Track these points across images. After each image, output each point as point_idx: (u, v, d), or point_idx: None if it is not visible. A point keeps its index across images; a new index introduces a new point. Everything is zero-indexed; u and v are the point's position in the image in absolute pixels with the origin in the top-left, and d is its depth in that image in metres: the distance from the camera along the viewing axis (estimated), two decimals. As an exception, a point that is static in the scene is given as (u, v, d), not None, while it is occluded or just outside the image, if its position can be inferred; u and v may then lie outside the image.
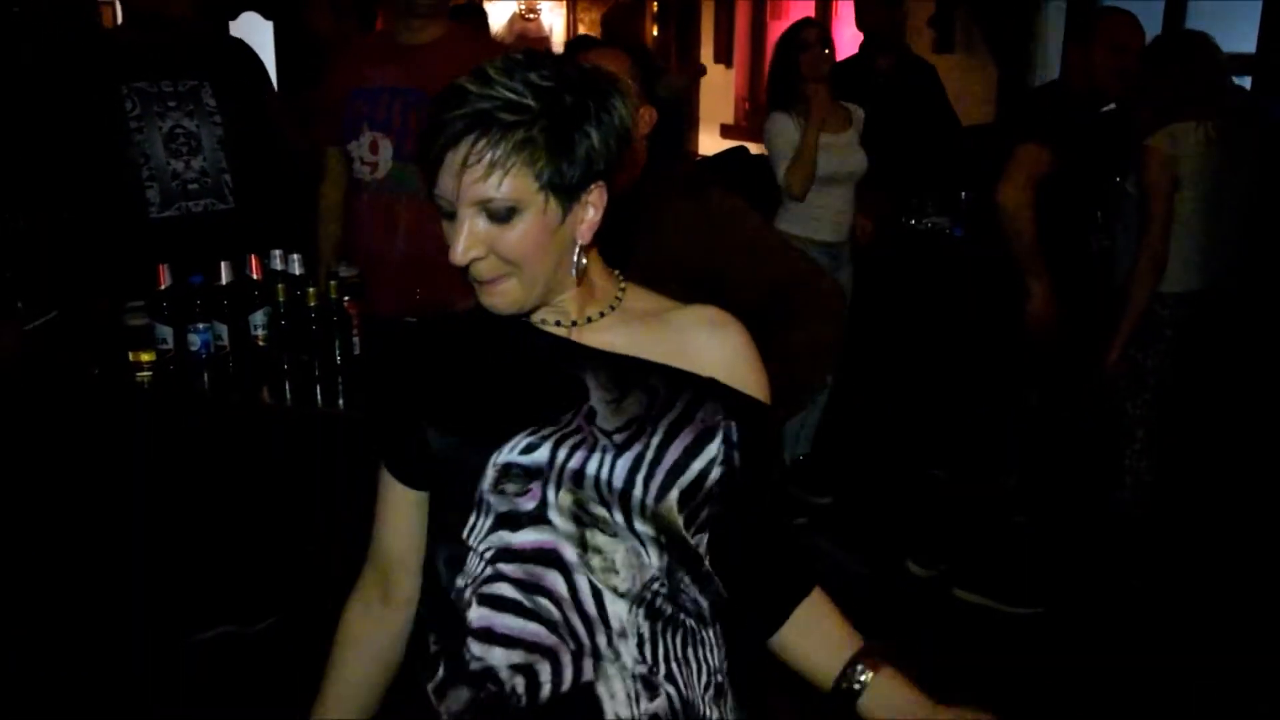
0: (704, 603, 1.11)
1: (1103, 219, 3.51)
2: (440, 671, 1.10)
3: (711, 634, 1.12)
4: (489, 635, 1.07)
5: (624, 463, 1.07)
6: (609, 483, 1.06)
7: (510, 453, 1.07)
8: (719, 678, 1.12)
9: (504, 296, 1.08)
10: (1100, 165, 3.27)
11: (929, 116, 4.27)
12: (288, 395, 2.37)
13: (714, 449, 1.10)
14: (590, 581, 1.06)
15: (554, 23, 8.08)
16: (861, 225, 3.87)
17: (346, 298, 2.47)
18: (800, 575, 1.21)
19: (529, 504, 1.06)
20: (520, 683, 1.06)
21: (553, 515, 1.06)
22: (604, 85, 1.07)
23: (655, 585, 1.08)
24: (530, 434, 1.07)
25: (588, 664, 1.05)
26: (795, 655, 1.19)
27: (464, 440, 1.10)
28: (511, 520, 1.07)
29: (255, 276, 2.47)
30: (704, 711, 1.09)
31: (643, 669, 1.06)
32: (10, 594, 2.59)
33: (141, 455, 2.44)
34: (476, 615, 1.08)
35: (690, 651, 1.09)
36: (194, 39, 2.96)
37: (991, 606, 3.21)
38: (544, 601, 1.06)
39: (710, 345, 1.15)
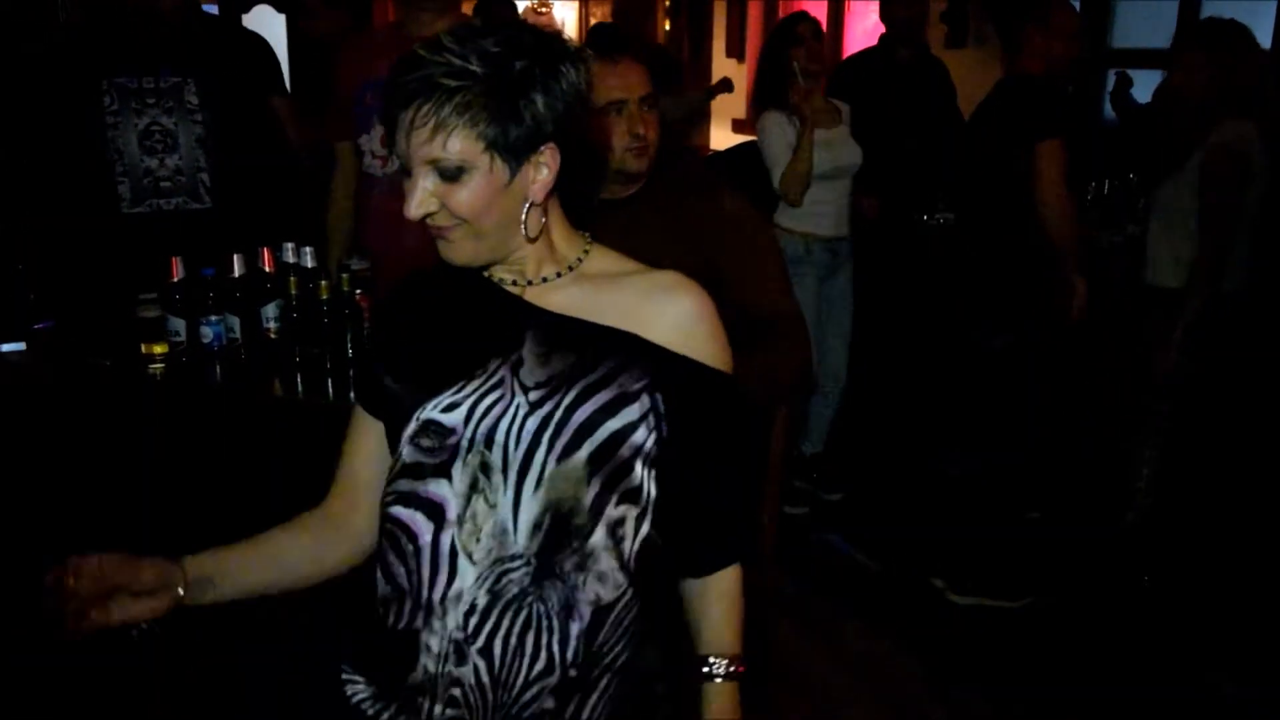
0: (581, 595, 1.12)
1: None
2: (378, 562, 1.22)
3: (574, 628, 1.12)
4: (381, 565, 1.18)
5: (533, 422, 1.11)
6: (517, 441, 1.11)
7: (433, 410, 1.13)
8: (571, 673, 1.13)
9: (456, 248, 1.13)
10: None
11: (946, 111, 4.26)
12: (299, 387, 2.37)
13: (632, 414, 1.13)
14: (453, 541, 1.11)
15: (566, 16, 8.07)
16: (868, 204, 3.87)
17: (358, 291, 2.47)
18: (726, 552, 1.24)
19: (438, 459, 1.13)
20: (384, 611, 1.17)
21: (455, 473, 1.12)
22: (556, 51, 1.11)
23: (513, 564, 1.11)
24: (455, 391, 1.13)
25: (420, 614, 1.13)
26: (687, 615, 1.25)
27: (404, 389, 1.17)
28: (417, 470, 1.14)
29: (267, 269, 2.48)
30: (526, 696, 1.12)
31: (459, 635, 1.11)
32: (17, 591, 2.58)
33: (152, 447, 2.44)
34: (378, 546, 1.20)
35: (529, 637, 1.11)
36: (184, 34, 2.95)
37: (989, 604, 3.20)
38: (409, 547, 1.14)
39: (664, 310, 1.17)
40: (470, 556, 1.11)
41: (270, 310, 2.45)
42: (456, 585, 1.11)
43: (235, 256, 2.43)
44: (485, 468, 1.11)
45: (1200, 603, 3.11)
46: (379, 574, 1.19)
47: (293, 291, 2.45)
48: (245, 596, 1.26)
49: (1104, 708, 2.73)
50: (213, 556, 1.24)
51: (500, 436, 1.12)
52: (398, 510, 1.15)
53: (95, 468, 2.52)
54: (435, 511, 1.13)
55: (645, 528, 1.16)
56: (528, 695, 1.12)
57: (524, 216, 1.14)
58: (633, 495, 1.14)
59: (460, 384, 1.14)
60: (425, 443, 1.13)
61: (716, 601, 1.24)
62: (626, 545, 1.14)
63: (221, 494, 2.50)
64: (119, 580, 1.15)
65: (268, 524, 2.49)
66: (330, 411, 2.31)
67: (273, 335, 2.45)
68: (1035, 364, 3.30)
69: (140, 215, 2.92)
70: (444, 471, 1.13)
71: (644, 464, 1.14)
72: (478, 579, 1.10)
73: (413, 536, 1.14)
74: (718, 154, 6.27)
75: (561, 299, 1.19)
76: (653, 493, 1.16)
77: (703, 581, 1.24)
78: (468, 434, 1.12)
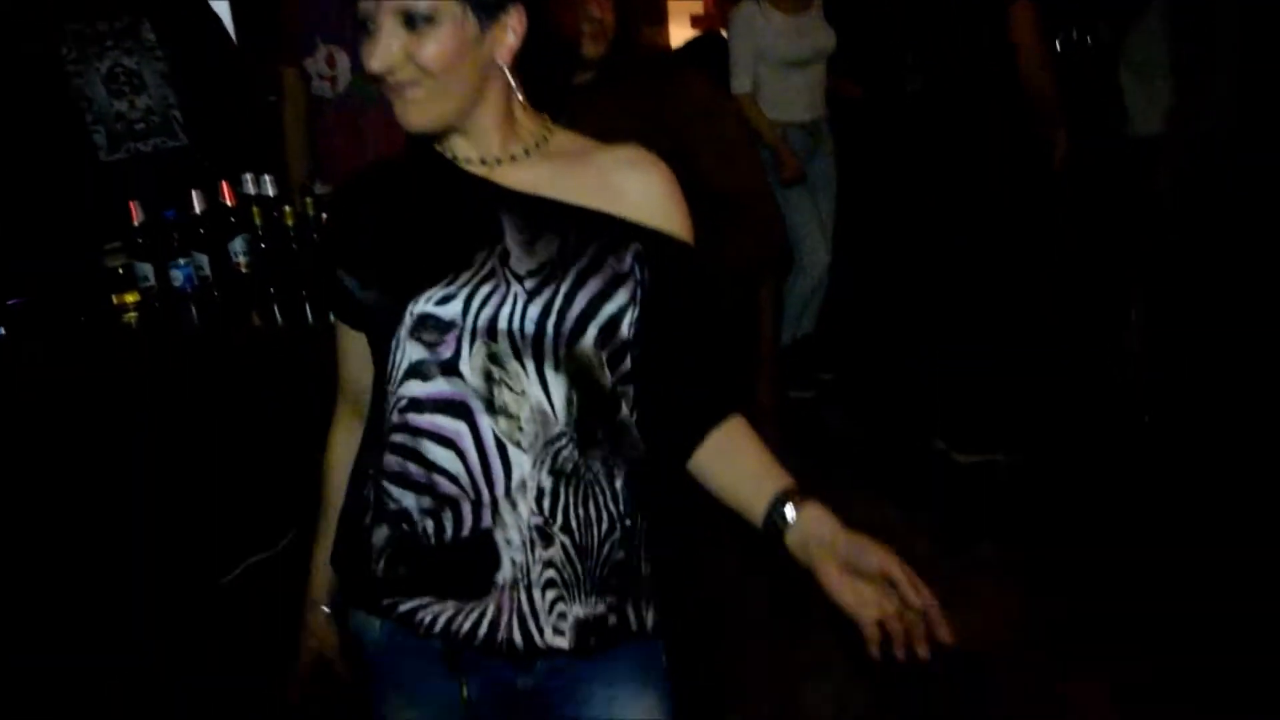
0: (616, 456, 1.15)
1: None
2: (371, 508, 1.17)
3: (619, 485, 1.15)
4: (403, 480, 1.13)
5: (535, 309, 1.09)
6: (521, 330, 1.09)
7: (426, 304, 1.09)
8: (626, 523, 1.16)
9: (416, 108, 1.08)
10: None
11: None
12: (278, 317, 2.34)
13: (623, 296, 1.12)
14: (495, 434, 1.10)
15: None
16: (846, 85, 3.81)
17: (324, 214, 2.42)
18: (716, 402, 1.22)
19: (444, 354, 1.10)
20: (429, 525, 1.12)
21: (464, 368, 1.09)
22: None
23: (560, 442, 1.11)
24: (446, 284, 1.10)
25: (486, 513, 1.11)
26: (722, 491, 1.21)
27: (382, 293, 1.13)
28: (423, 371, 1.10)
29: (229, 203, 2.42)
30: (603, 554, 1.15)
31: (538, 520, 1.11)
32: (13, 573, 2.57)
33: (138, 398, 2.41)
34: (391, 461, 1.13)
35: (590, 504, 1.13)
36: None
37: (992, 460, 3.23)
38: (448, 454, 1.11)
39: (631, 184, 1.15)
40: (520, 445, 1.10)
41: (238, 245, 2.40)
42: (517, 475, 1.10)
43: (194, 193, 2.38)
44: (495, 358, 1.09)
45: (1202, 445, 3.12)
46: (396, 490, 1.13)
47: (258, 223, 2.40)
48: None
49: (1113, 558, 2.75)
50: (322, 568, 1.31)
51: (503, 325, 1.08)
52: (416, 418, 1.11)
53: (90, 437, 2.49)
54: (461, 410, 1.10)
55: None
56: (604, 554, 1.15)
57: (484, 73, 1.10)
58: (628, 376, 1.16)
59: (450, 277, 1.10)
60: (426, 337, 1.09)
61: (747, 457, 1.21)
62: (635, 415, 1.18)
63: (214, 434, 2.49)
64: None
65: (261, 456, 2.51)
66: (313, 335, 2.29)
67: (244, 270, 2.41)
68: (1019, 226, 3.28)
69: (120, 162, 2.83)
70: (452, 369, 1.09)
71: (636, 337, 1.15)
72: (535, 464, 1.10)
73: (447, 440, 1.11)
74: (678, 50, 6.13)
75: (528, 177, 1.15)
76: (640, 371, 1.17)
77: (717, 451, 1.21)
78: (468, 326, 1.09)
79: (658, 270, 1.14)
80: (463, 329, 1.09)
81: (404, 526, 1.14)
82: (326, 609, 1.32)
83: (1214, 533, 2.75)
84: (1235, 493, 2.89)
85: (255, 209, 2.41)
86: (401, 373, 1.12)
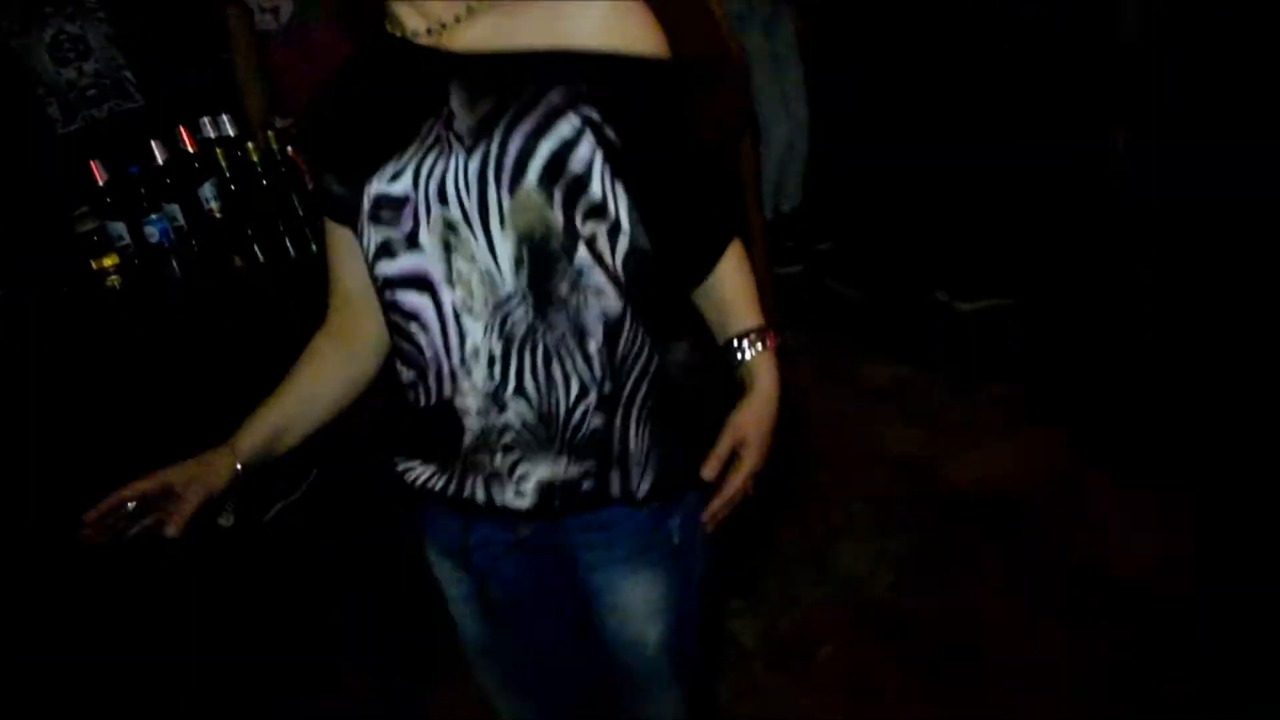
0: (586, 313, 1.11)
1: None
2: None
3: (591, 348, 1.11)
4: (399, 354, 1.18)
5: (475, 165, 1.07)
6: (466, 188, 1.07)
7: (379, 184, 1.10)
8: (605, 388, 1.12)
9: None
10: None
11: None
12: (259, 255, 2.31)
13: (566, 130, 1.06)
14: (453, 305, 1.10)
15: None
16: None
17: (288, 147, 2.38)
18: (714, 239, 1.22)
19: (404, 229, 1.10)
20: (414, 394, 1.17)
21: (423, 238, 1.10)
22: None
23: (510, 305, 1.09)
24: (396, 161, 1.09)
25: (446, 383, 1.13)
26: (700, 309, 1.24)
27: (346, 182, 1.13)
28: (389, 249, 1.12)
29: (191, 150, 2.38)
30: (574, 419, 1.12)
31: (490, 386, 1.11)
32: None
33: (134, 360, 2.39)
34: (392, 339, 1.19)
35: (554, 367, 1.11)
36: None
37: (995, 305, 3.21)
38: (414, 326, 1.13)
39: (585, 13, 1.09)
40: (471, 312, 1.09)
41: (207, 190, 2.36)
42: (470, 343, 1.10)
43: (154, 144, 2.33)
44: (450, 226, 1.08)
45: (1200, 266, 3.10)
46: (399, 364, 1.19)
47: (224, 165, 2.35)
48: (299, 442, 1.28)
49: (1120, 387, 2.75)
50: (253, 427, 1.25)
51: (451, 190, 1.07)
52: (392, 296, 1.14)
53: (94, 407, 2.47)
54: (423, 283, 1.11)
55: (624, 242, 1.12)
56: (575, 420, 1.12)
57: None
58: (597, 211, 1.09)
59: (398, 154, 1.09)
60: (385, 216, 1.10)
61: (722, 285, 1.22)
62: (609, 260, 1.11)
63: (219, 385, 2.48)
64: (170, 485, 1.20)
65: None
66: (298, 268, 2.26)
67: (217, 215, 2.37)
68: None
69: (78, 132, 2.78)
70: (413, 242, 1.10)
71: (602, 178, 1.09)
72: (485, 330, 1.09)
73: (413, 315, 1.13)
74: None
75: (477, 34, 1.11)
76: (621, 207, 1.11)
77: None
78: (420, 197, 1.08)
79: (622, 96, 1.09)
80: (416, 202, 1.08)
81: (408, 396, 1.19)
82: (238, 463, 1.22)
83: (1217, 342, 2.75)
84: (1235, 310, 2.90)
85: (218, 151, 2.36)
86: (373, 255, 1.13)
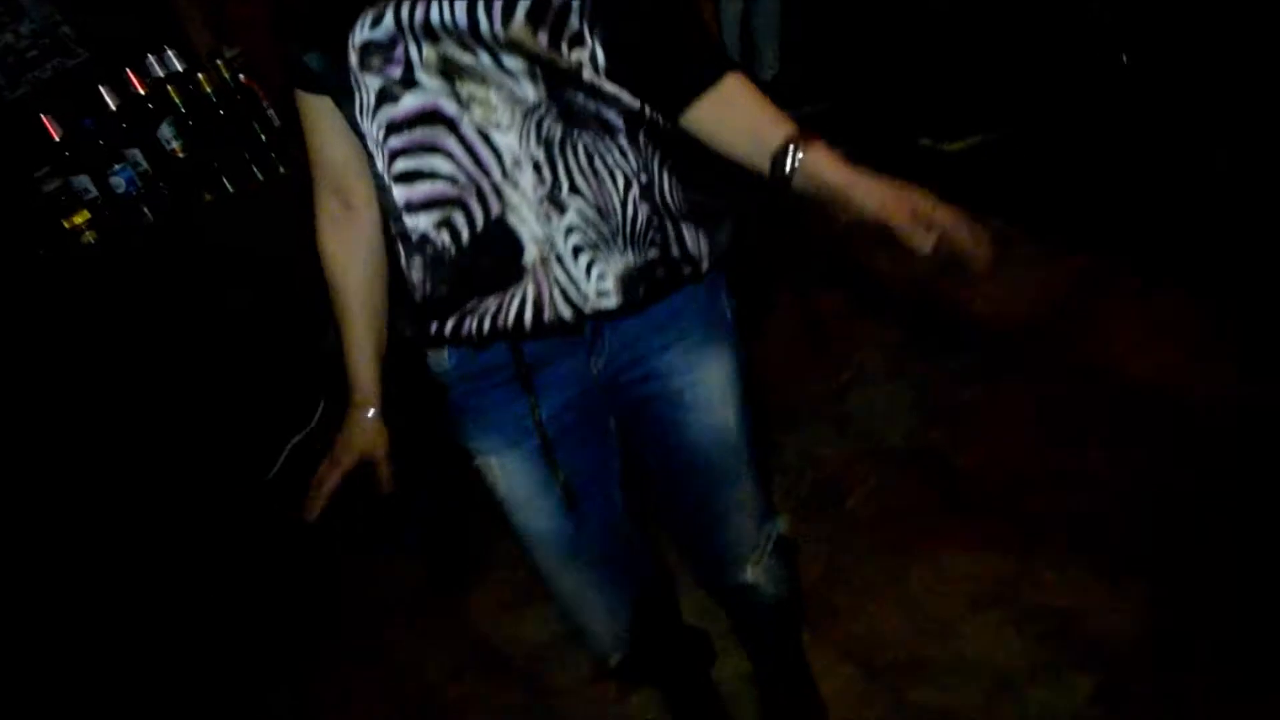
0: (607, 113, 1.11)
1: None
2: (401, 251, 1.18)
3: (622, 140, 1.12)
4: (410, 207, 1.13)
5: (462, 3, 1.04)
6: (455, 24, 1.04)
7: (362, 32, 1.06)
8: (643, 177, 1.14)
9: None
10: None
11: None
12: (228, 186, 2.27)
13: None
14: (473, 125, 1.08)
15: None
16: None
17: (241, 75, 2.32)
18: (701, 66, 1.18)
19: (398, 72, 1.07)
20: (446, 237, 1.13)
21: (421, 76, 1.07)
22: None
23: (539, 112, 1.08)
24: (372, 7, 1.05)
25: (493, 201, 1.10)
26: (727, 150, 1.19)
27: (327, 46, 1.10)
28: (388, 94, 1.08)
29: (142, 92, 2.32)
30: (629, 210, 1.13)
31: (544, 190, 1.10)
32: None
33: (120, 314, 2.37)
34: (397, 194, 1.13)
35: (598, 162, 1.11)
36: None
37: (981, 141, 3.15)
38: (436, 160, 1.10)
39: None
40: (498, 127, 1.08)
41: (166, 130, 2.31)
42: (509, 156, 1.08)
43: (102, 90, 2.27)
44: (444, 59, 1.06)
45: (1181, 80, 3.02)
46: (411, 218, 1.14)
47: (178, 102, 2.30)
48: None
49: (1111, 212, 2.69)
50: (360, 368, 1.27)
51: (437, 23, 1.05)
52: (398, 140, 1.10)
53: (99, 366, 2.45)
54: (433, 116, 1.08)
55: (607, 66, 1.10)
56: (629, 211, 1.13)
57: None
58: (577, 39, 1.08)
59: (371, 2, 1.06)
60: (375, 63, 1.07)
61: (736, 111, 1.17)
62: (601, 81, 1.10)
63: (220, 325, 2.45)
64: (367, 455, 1.27)
65: (268, 328, 2.47)
66: (272, 189, 2.22)
67: (180, 154, 2.32)
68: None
69: (24, 97, 2.71)
70: (411, 81, 1.07)
71: (579, 14, 1.07)
72: (521, 139, 1.08)
73: (432, 147, 1.09)
74: None
75: None
76: (599, 51, 1.09)
77: (712, 111, 1.17)
78: (408, 37, 1.06)
79: None
80: (404, 41, 1.05)
81: (428, 250, 1.14)
82: (372, 411, 1.27)
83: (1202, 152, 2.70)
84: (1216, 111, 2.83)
85: (170, 89, 2.30)
86: (372, 106, 1.09)
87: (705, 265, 1.18)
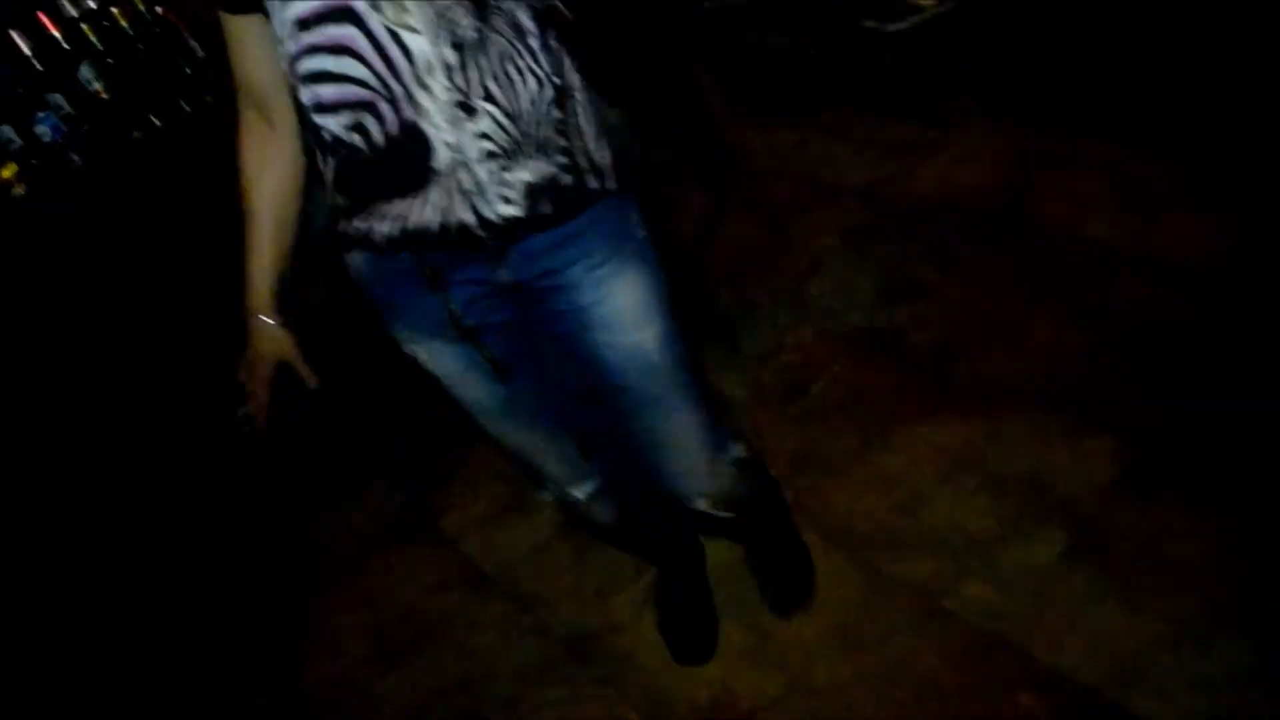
0: (519, 14, 1.08)
1: None
2: (316, 149, 1.16)
3: (535, 44, 1.10)
4: (320, 107, 1.11)
5: None
6: None
7: None
8: (556, 80, 1.12)
9: None
10: None
11: None
12: (156, 122, 2.20)
13: None
14: (386, 27, 1.05)
15: None
16: None
17: (158, 7, 2.23)
18: None
19: None
20: (357, 139, 1.10)
21: None
22: None
23: (451, 13, 1.05)
24: None
25: (405, 106, 1.08)
26: None
27: None
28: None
29: (57, 34, 2.23)
30: (540, 115, 1.12)
31: (457, 95, 1.08)
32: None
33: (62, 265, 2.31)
34: (305, 94, 1.11)
35: (509, 66, 1.09)
36: None
37: (932, 15, 3.08)
38: (348, 61, 1.07)
39: None
40: (411, 28, 1.05)
41: (86, 71, 2.23)
42: (420, 59, 1.06)
43: (13, 34, 2.18)
44: None
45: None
46: (321, 118, 1.11)
47: (95, 40, 2.21)
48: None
49: (1061, 81, 2.66)
50: (259, 277, 1.25)
51: None
52: (308, 36, 1.07)
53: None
54: (344, 14, 1.05)
55: None
56: (540, 115, 1.12)
57: None
58: None
59: None
60: None
61: None
62: None
63: (170, 267, 2.39)
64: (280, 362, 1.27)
65: (219, 261, 2.42)
66: (199, 118, 2.16)
67: (104, 94, 2.24)
68: None
69: None
70: None
71: None
72: (433, 41, 1.05)
73: (342, 47, 1.07)
74: None
75: None
76: None
77: None
78: None
79: None
80: None
81: (342, 151, 1.12)
82: (271, 317, 1.26)
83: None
84: None
85: (86, 29, 2.22)
86: (280, 3, 1.07)
87: (612, 179, 1.18)
